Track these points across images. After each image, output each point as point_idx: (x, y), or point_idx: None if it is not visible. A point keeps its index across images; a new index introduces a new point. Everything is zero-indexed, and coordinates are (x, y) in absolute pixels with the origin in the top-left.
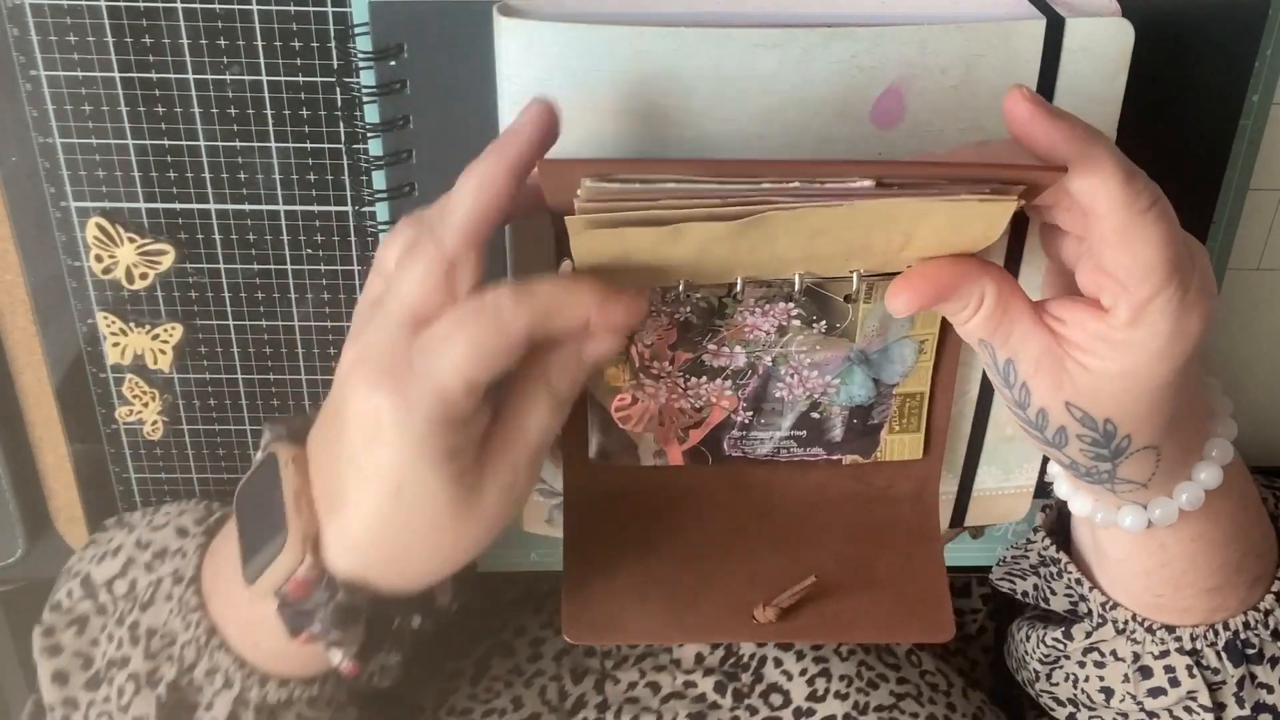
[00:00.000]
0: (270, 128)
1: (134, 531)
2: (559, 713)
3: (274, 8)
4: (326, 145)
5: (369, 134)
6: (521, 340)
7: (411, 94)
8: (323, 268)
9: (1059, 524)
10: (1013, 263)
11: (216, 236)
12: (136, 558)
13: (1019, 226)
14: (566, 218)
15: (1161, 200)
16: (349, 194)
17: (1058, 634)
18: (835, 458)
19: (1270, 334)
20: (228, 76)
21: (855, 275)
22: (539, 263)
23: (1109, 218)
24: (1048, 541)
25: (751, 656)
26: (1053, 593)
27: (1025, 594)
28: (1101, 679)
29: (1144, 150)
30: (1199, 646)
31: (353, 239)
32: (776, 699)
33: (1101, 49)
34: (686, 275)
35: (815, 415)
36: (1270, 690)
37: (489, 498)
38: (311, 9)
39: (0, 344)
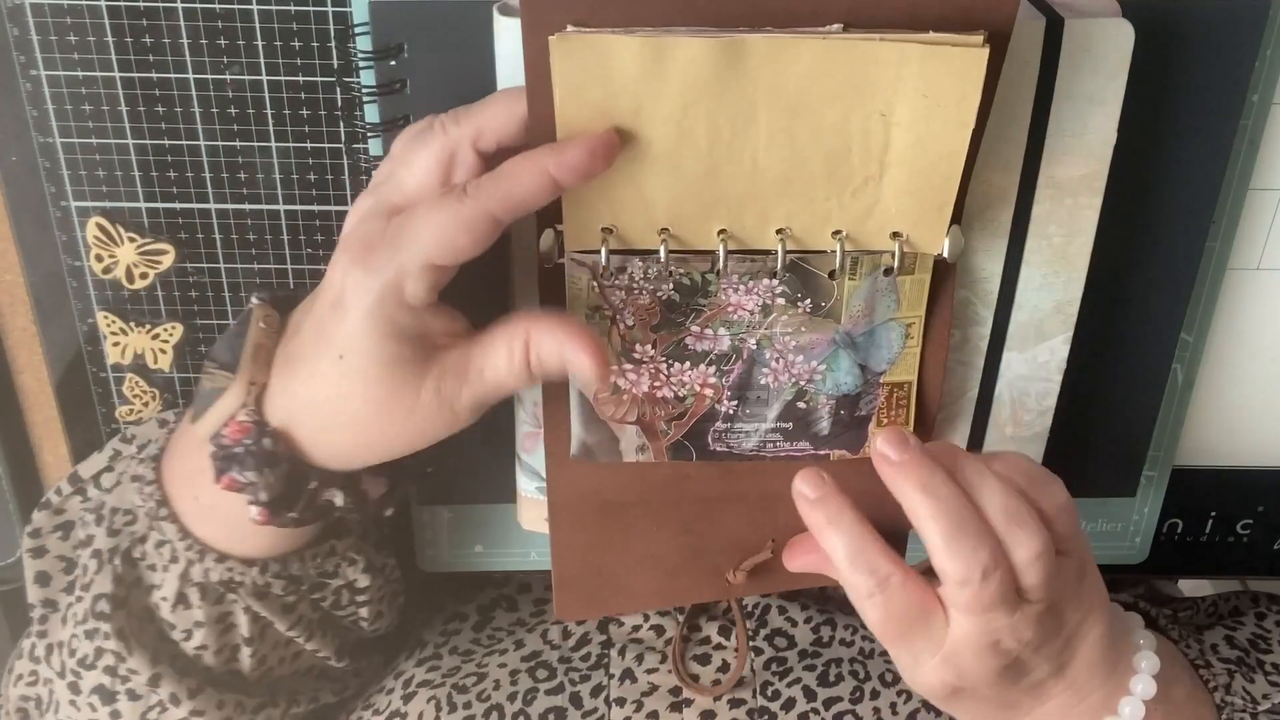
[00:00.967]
0: (270, 128)
1: (123, 431)
2: (561, 649)
3: (274, 8)
4: (326, 145)
5: (369, 134)
6: (483, 222)
7: (411, 94)
8: (322, 267)
9: None
10: (1012, 265)
11: (216, 236)
12: (122, 450)
13: (1019, 232)
14: (550, 37)
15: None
16: (349, 194)
17: None
18: (822, 453)
19: (1270, 334)
20: (228, 76)
21: (839, 246)
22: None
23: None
24: None
25: (755, 605)
26: None
27: None
28: None
29: (1144, 150)
30: None
31: None
32: (781, 642)
33: (1101, 49)
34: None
35: (801, 405)
36: None
37: (424, 399)
38: (311, 9)
39: (0, 344)
